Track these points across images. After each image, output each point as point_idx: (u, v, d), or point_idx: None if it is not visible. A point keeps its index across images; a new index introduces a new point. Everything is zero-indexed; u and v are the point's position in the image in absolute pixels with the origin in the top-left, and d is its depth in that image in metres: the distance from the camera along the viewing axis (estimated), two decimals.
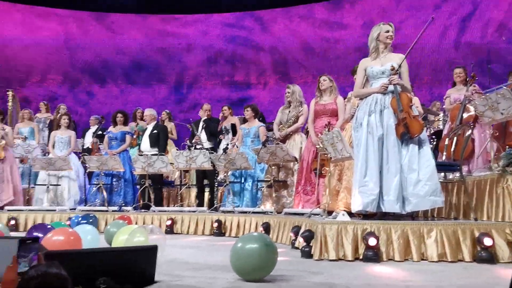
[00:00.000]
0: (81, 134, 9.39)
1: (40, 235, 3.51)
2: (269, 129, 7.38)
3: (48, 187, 7.33)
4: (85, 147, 8.88)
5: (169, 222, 6.19)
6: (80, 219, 5.61)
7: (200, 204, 7.25)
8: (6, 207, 7.08)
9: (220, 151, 7.15)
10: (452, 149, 4.74)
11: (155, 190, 7.15)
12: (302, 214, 4.99)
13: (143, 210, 6.88)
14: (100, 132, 8.41)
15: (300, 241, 3.88)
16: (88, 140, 8.90)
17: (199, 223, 6.14)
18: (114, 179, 7.51)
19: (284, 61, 13.57)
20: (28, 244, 2.09)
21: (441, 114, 7.22)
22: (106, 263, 2.39)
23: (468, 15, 11.99)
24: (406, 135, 3.88)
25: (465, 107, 5.43)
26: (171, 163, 7.31)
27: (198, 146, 7.43)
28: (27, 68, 13.62)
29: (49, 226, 3.96)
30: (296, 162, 5.96)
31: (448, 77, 6.76)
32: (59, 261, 2.11)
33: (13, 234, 5.43)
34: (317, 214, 4.67)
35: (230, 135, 7.70)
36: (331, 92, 5.59)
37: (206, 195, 7.49)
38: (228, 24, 13.92)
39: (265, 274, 2.67)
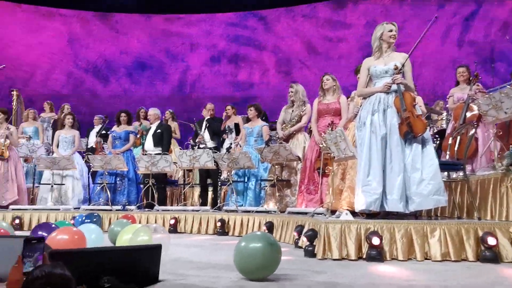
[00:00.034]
0: (85, 134, 9.42)
1: (44, 234, 3.53)
2: (272, 128, 7.39)
3: (52, 186, 7.37)
4: (89, 146, 8.91)
5: (172, 221, 6.20)
6: (84, 218, 5.62)
7: (204, 203, 7.26)
8: (11, 206, 7.11)
9: (224, 150, 7.16)
10: (456, 148, 4.74)
11: (159, 189, 7.17)
12: (306, 213, 5.00)
13: (146, 209, 6.90)
14: (104, 132, 8.43)
15: (304, 240, 3.88)
16: (92, 139, 8.93)
17: (203, 222, 6.15)
18: (118, 178, 7.53)
19: (287, 60, 13.57)
20: (33, 244, 2.10)
21: (445, 113, 7.21)
22: (111, 262, 2.39)
23: (471, 14, 11.96)
24: (409, 134, 3.87)
25: (468, 106, 5.42)
26: (174, 163, 7.33)
27: (201, 146, 7.44)
28: (31, 67, 13.67)
29: (53, 225, 3.98)
30: (299, 161, 5.97)
31: (452, 76, 6.74)
32: (64, 260, 2.13)
33: (17, 233, 5.46)
34: (321, 213, 4.68)
35: (234, 134, 7.71)
36: (334, 92, 5.59)
37: (210, 194, 7.50)
38: (231, 24, 13.92)
39: (269, 273, 2.67)
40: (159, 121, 7.77)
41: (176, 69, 14.02)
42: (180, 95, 13.84)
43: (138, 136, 8.23)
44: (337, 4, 13.31)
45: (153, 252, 2.58)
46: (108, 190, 7.19)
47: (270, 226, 5.20)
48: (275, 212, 5.74)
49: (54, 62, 13.86)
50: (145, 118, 8.94)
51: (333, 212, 4.52)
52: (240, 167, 6.37)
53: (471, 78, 5.76)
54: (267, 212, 5.87)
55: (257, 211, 5.95)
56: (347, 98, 5.60)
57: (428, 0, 12.31)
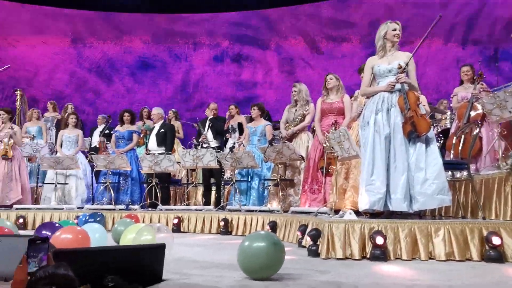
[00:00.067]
0: (88, 133, 9.44)
1: (48, 233, 3.54)
2: (276, 127, 7.38)
3: (55, 185, 7.38)
4: (92, 146, 8.93)
5: (176, 221, 6.20)
6: (87, 217, 5.64)
7: (207, 202, 7.27)
8: (15, 206, 7.13)
9: (227, 149, 7.16)
10: (460, 148, 4.72)
11: (162, 189, 7.18)
12: (309, 212, 5.00)
13: (150, 209, 6.91)
14: (107, 131, 8.45)
15: (307, 240, 3.88)
16: (96, 139, 8.95)
17: (206, 222, 6.15)
18: (121, 178, 7.54)
19: (291, 59, 13.55)
20: (37, 244, 2.10)
21: (448, 113, 7.19)
22: (115, 261, 2.40)
23: (475, 13, 11.91)
24: (413, 134, 3.86)
25: (472, 105, 5.41)
26: (178, 162, 7.34)
27: (204, 145, 7.45)
28: (34, 67, 13.71)
29: (57, 225, 3.99)
30: (302, 161, 5.96)
31: (455, 75, 6.73)
32: (68, 259, 2.13)
33: (21, 232, 5.47)
34: (324, 213, 4.67)
35: (237, 134, 7.71)
36: (337, 91, 5.58)
37: (213, 193, 7.51)
38: (235, 23, 13.92)
39: (272, 273, 2.67)
40: (162, 121, 7.78)
41: (179, 68, 14.03)
42: (183, 94, 13.85)
43: (141, 135, 8.25)
44: (341, 3, 13.29)
45: (157, 252, 2.59)
46: (111, 190, 7.20)
47: (273, 226, 5.20)
48: (279, 211, 5.73)
49: (58, 61, 13.89)
50: (148, 117, 8.96)
51: (336, 211, 4.51)
52: (244, 167, 6.37)
53: (475, 77, 5.74)
54: (271, 211, 5.87)
55: (260, 211, 5.95)
56: (351, 97, 5.60)
57: None
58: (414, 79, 4.09)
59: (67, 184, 7.63)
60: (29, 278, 1.87)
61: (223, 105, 9.59)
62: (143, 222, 6.04)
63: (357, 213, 4.08)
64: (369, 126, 4.00)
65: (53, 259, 2.10)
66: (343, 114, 5.49)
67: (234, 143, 7.33)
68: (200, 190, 7.86)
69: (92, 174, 8.03)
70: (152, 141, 7.58)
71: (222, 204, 6.82)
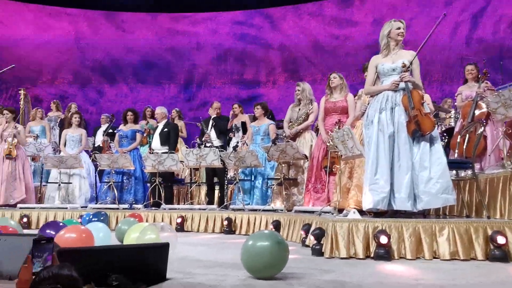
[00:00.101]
0: (92, 133, 9.46)
1: (52, 232, 3.54)
2: (279, 127, 7.37)
3: (59, 185, 7.40)
4: (96, 145, 8.94)
5: (179, 220, 6.20)
6: (91, 216, 5.65)
7: (210, 202, 7.27)
8: (19, 205, 7.15)
9: (230, 149, 7.16)
10: (464, 147, 4.71)
11: (166, 188, 7.18)
12: (313, 212, 4.99)
13: (153, 208, 6.91)
14: (110, 131, 8.46)
15: (311, 239, 3.87)
16: (99, 138, 8.97)
17: (209, 221, 6.15)
18: (125, 177, 7.56)
19: (294, 58, 13.54)
20: (42, 244, 2.11)
21: (453, 112, 7.16)
22: (119, 260, 2.40)
23: (480, 11, 11.86)
24: (417, 133, 3.85)
25: (477, 104, 5.38)
26: (181, 161, 7.35)
27: (207, 144, 7.45)
28: (38, 67, 13.75)
29: (61, 224, 4.00)
30: (306, 160, 5.95)
31: (460, 74, 6.70)
32: (72, 258, 2.13)
33: (25, 231, 5.49)
34: (328, 212, 4.66)
35: (241, 133, 7.71)
36: (341, 90, 5.57)
37: (216, 193, 7.50)
38: (238, 22, 13.91)
39: (276, 272, 2.67)
40: (166, 120, 7.78)
41: (182, 67, 14.04)
42: (186, 93, 13.86)
43: (144, 134, 8.26)
44: (344, 1, 13.26)
45: (161, 251, 2.59)
46: (115, 189, 7.21)
47: (277, 225, 5.19)
48: (282, 210, 5.73)
49: (61, 61, 13.92)
50: (152, 116, 8.97)
51: (340, 210, 4.50)
52: (247, 166, 6.36)
53: (479, 75, 5.72)
54: (274, 210, 5.86)
55: (264, 210, 5.95)
56: (354, 96, 5.58)
57: None
58: (418, 77, 4.08)
59: (71, 183, 7.65)
60: (33, 278, 1.87)
61: (226, 104, 9.59)
62: (147, 221, 6.05)
63: (361, 212, 4.07)
64: (373, 125, 3.99)
65: (57, 259, 2.11)
66: (346, 113, 5.47)
67: (238, 142, 7.33)
68: (204, 189, 7.86)
69: (95, 173, 8.04)
70: (156, 140, 7.59)
71: (225, 203, 6.82)
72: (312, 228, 4.06)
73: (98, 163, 7.39)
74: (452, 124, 6.89)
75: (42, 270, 1.82)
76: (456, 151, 4.90)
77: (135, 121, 7.95)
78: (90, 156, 8.22)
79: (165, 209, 6.71)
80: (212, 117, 7.93)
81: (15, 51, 13.49)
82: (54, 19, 13.87)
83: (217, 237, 5.60)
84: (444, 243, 3.43)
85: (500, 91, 4.74)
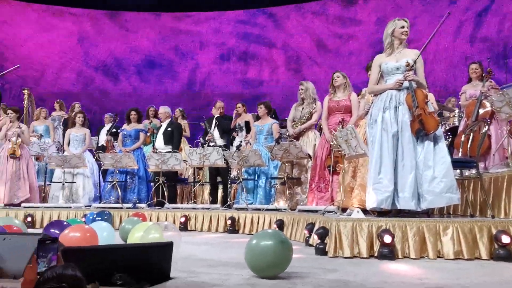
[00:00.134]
0: (95, 132, 9.48)
1: (57, 231, 3.55)
2: (283, 126, 7.37)
3: (63, 184, 7.42)
4: (99, 144, 8.96)
5: (183, 219, 6.21)
6: (95, 216, 5.67)
7: (214, 201, 7.27)
8: (23, 204, 7.18)
9: (234, 148, 7.16)
10: (468, 146, 4.69)
11: (169, 187, 7.19)
12: (316, 211, 4.98)
13: (157, 207, 6.92)
14: (114, 130, 8.48)
15: (314, 238, 3.87)
16: (103, 137, 8.99)
17: (213, 220, 6.15)
18: (128, 177, 7.57)
19: (297, 57, 13.53)
20: (47, 244, 2.11)
21: (457, 111, 7.14)
22: (123, 259, 2.40)
23: (484, 10, 11.81)
24: (421, 132, 3.84)
25: (481, 103, 5.36)
26: (184, 161, 7.35)
27: (211, 144, 7.45)
28: (42, 66, 13.79)
29: (65, 223, 4.01)
30: (309, 159, 5.95)
31: (464, 72, 6.68)
32: (77, 257, 2.14)
33: (30, 230, 5.50)
34: (331, 211, 4.66)
35: (244, 132, 7.71)
36: (344, 89, 5.56)
37: (220, 192, 7.51)
38: (241, 21, 13.92)
39: (280, 271, 2.66)
40: (169, 119, 7.79)
41: (185, 67, 14.05)
42: (189, 93, 13.87)
43: (148, 134, 8.27)
44: (347, 0, 13.24)
45: (165, 250, 2.59)
46: (118, 188, 7.22)
47: (280, 224, 5.19)
48: (286, 210, 5.72)
49: (65, 60, 13.96)
50: (155, 116, 8.98)
51: (344, 210, 4.50)
52: (250, 165, 6.36)
53: (483, 74, 5.70)
54: (278, 210, 5.86)
55: (267, 209, 5.95)
56: (358, 95, 5.57)
57: None
58: (422, 76, 4.06)
59: (75, 182, 7.68)
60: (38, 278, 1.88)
61: (229, 103, 9.58)
62: (150, 220, 6.06)
63: (365, 211, 4.07)
64: (377, 124, 3.98)
65: (62, 257, 2.11)
66: (350, 112, 5.46)
67: (241, 142, 7.33)
68: (207, 188, 7.87)
69: (99, 172, 8.06)
70: (159, 140, 7.60)
71: (229, 203, 6.82)
72: (316, 228, 4.05)
73: (101, 162, 7.40)
74: (456, 123, 6.87)
75: (46, 270, 1.83)
76: (460, 150, 4.88)
77: (139, 121, 7.96)
78: (93, 156, 8.23)
79: (168, 208, 6.71)
80: (216, 116, 7.93)
81: (19, 50, 13.54)
82: (57, 19, 13.91)
83: (220, 236, 5.60)
84: (448, 242, 3.42)
85: (505, 90, 4.72)
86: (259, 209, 6.05)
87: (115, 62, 14.08)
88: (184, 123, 9.18)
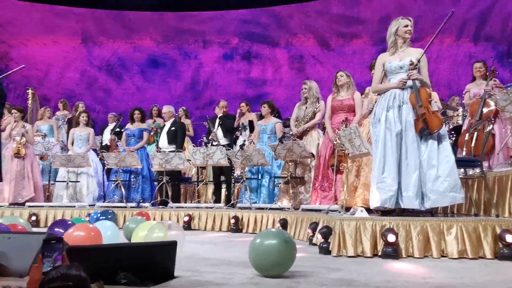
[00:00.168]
0: (99, 131, 9.50)
1: (61, 230, 3.57)
2: (286, 125, 7.36)
3: (67, 183, 7.45)
4: (103, 144, 8.98)
5: (186, 218, 6.23)
6: (99, 215, 5.68)
7: (217, 200, 7.28)
8: (27, 203, 7.21)
9: (237, 147, 7.16)
10: (472, 145, 4.68)
11: (173, 187, 7.20)
12: (320, 210, 4.98)
13: (160, 206, 6.94)
14: (118, 129, 8.50)
15: (318, 237, 3.87)
16: (106, 137, 9.01)
17: (217, 219, 6.16)
18: (132, 176, 7.59)
19: (300, 57, 13.51)
20: (52, 244, 2.12)
21: (461, 109, 7.12)
22: (127, 258, 2.41)
23: (488, 8, 11.77)
24: (425, 131, 3.83)
25: (485, 101, 5.35)
26: (188, 160, 7.36)
27: (214, 143, 7.45)
28: (46, 66, 13.83)
29: (69, 222, 4.03)
30: (313, 158, 5.94)
31: (467, 71, 6.66)
32: (81, 256, 2.15)
33: (34, 229, 5.53)
34: (335, 211, 4.66)
35: (248, 131, 7.71)
36: (348, 88, 5.55)
37: (223, 191, 7.51)
38: (244, 21, 13.91)
39: (284, 270, 2.67)
40: (173, 119, 7.80)
41: (188, 66, 14.06)
42: (193, 92, 13.88)
43: (151, 133, 8.28)
44: None
45: (169, 249, 2.60)
46: (122, 187, 7.24)
47: (284, 223, 5.20)
48: (289, 209, 5.73)
49: (68, 60, 14.00)
50: (159, 115, 8.99)
51: (347, 209, 4.50)
52: (254, 164, 6.36)
53: (487, 73, 5.68)
54: (281, 209, 5.86)
55: (271, 208, 5.95)
56: (361, 94, 5.56)
57: None
58: (426, 75, 4.05)
59: (79, 182, 7.70)
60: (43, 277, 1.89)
61: (233, 102, 9.59)
62: (154, 219, 6.07)
63: (368, 210, 4.06)
64: (380, 123, 3.97)
65: (67, 257, 2.13)
66: (353, 111, 5.46)
67: (244, 141, 7.33)
68: (211, 188, 7.88)
69: (103, 172, 8.08)
70: (163, 139, 7.61)
71: (232, 202, 6.83)
72: (320, 227, 4.05)
73: (105, 161, 7.42)
74: (460, 122, 6.85)
75: (51, 270, 1.84)
76: (464, 149, 4.88)
77: (142, 120, 7.98)
78: (97, 155, 8.26)
79: (172, 207, 6.73)
80: (219, 115, 7.94)
81: (23, 50, 13.58)
82: (61, 19, 13.93)
83: (224, 235, 5.61)
84: (452, 241, 3.42)
85: (509, 88, 4.71)
86: (262, 208, 6.05)
87: (119, 61, 14.10)
88: (187, 122, 9.20)
